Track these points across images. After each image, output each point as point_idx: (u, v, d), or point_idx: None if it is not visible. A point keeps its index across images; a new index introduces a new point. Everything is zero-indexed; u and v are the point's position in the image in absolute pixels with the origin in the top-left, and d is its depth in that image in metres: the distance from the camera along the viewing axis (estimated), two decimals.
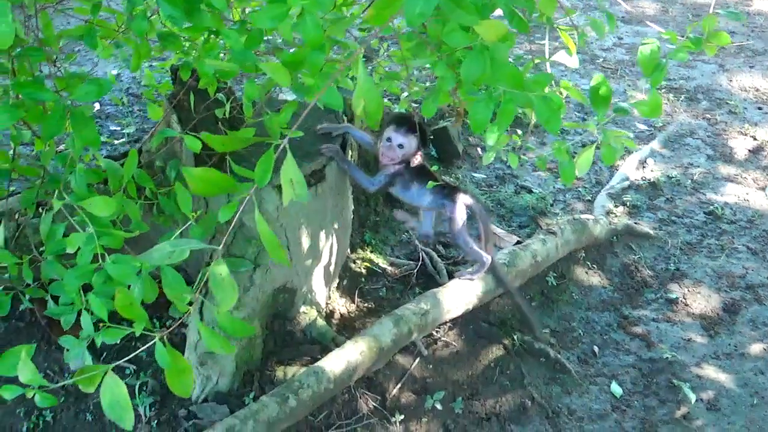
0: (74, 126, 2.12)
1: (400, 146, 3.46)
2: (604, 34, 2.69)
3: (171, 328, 2.14)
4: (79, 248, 2.36)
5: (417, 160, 3.56)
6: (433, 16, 1.78)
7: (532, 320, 3.87)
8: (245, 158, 3.25)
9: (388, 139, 3.45)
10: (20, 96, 2.29)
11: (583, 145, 5.33)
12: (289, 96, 4.26)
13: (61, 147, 3.65)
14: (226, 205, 1.48)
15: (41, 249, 3.12)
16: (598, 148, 2.58)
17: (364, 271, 4.04)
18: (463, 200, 3.65)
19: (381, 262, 4.13)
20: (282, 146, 1.43)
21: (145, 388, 3.29)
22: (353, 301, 3.87)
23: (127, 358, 1.91)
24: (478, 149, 5.42)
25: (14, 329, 3.55)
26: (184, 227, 2.50)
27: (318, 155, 3.42)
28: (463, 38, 1.76)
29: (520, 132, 3.92)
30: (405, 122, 3.47)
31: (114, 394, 1.48)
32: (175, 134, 2.79)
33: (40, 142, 3.21)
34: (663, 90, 6.39)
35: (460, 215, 3.65)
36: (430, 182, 3.47)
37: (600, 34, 2.63)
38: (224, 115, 3.20)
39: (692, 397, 3.54)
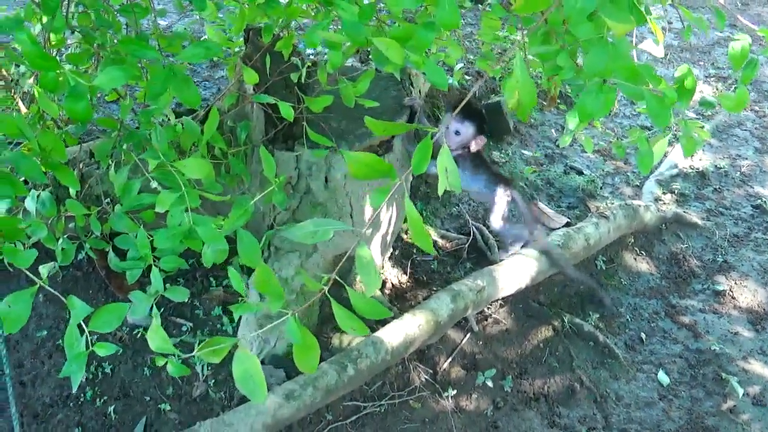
0: (176, 86, 2.12)
1: (457, 133, 3.48)
2: (707, 29, 2.68)
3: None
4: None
5: (474, 146, 3.56)
6: (552, 7, 1.78)
7: (600, 294, 3.91)
8: (315, 123, 3.25)
9: (447, 127, 3.47)
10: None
11: (639, 129, 5.33)
12: (351, 61, 4.26)
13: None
14: (377, 190, 1.48)
15: (106, 200, 3.15)
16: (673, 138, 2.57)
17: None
18: (503, 192, 3.68)
19: (432, 234, 4.14)
20: (437, 136, 1.43)
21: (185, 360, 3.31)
22: (405, 273, 3.89)
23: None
24: (529, 127, 5.41)
25: (72, 278, 3.58)
26: (260, 188, 2.51)
27: (402, 108, 3.47)
28: (589, 30, 1.76)
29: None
30: (463, 110, 3.48)
31: (246, 367, 1.49)
32: (269, 99, 2.78)
33: (113, 93, 3.22)
34: (712, 79, 6.36)
35: (500, 206, 3.68)
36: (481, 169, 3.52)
37: (705, 31, 2.62)
38: (299, 79, 3.20)
39: (740, 391, 3.55)
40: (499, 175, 3.76)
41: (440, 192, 1.43)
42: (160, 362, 1.67)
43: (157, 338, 1.56)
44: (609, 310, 3.92)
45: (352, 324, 1.53)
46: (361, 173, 1.41)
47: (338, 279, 1.57)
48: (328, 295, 1.57)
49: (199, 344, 3.15)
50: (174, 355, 1.68)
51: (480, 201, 3.87)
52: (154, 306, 2.46)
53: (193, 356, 3.07)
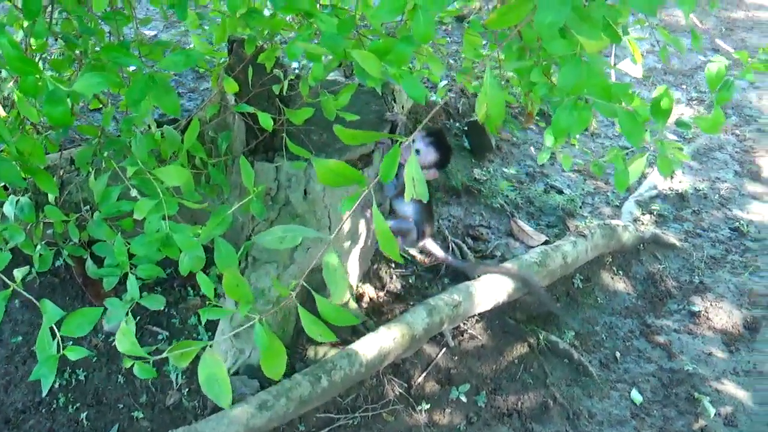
0: (156, 93, 2.13)
1: (417, 151, 3.50)
2: (684, 51, 2.71)
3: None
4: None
5: (428, 175, 3.57)
6: (529, 23, 1.81)
7: (550, 304, 3.95)
8: (296, 136, 3.27)
9: (412, 140, 3.47)
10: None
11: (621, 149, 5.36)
12: (335, 75, 4.28)
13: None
14: (347, 198, 1.50)
15: (85, 208, 3.16)
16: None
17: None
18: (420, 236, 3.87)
19: (411, 249, 4.16)
20: (408, 143, 1.45)
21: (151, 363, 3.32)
22: (383, 287, 3.90)
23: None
24: (511, 144, 5.45)
25: (49, 285, 3.59)
26: (239, 199, 2.53)
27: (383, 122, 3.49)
28: (562, 46, 1.78)
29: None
30: (433, 134, 3.51)
31: (211, 370, 1.50)
32: (249, 109, 2.81)
33: (96, 101, 3.24)
34: (694, 102, 6.41)
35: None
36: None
37: (682, 51, 2.65)
38: (281, 91, 3.22)
39: (712, 411, 3.58)
40: (429, 221, 3.82)
41: (407, 199, 1.45)
42: (127, 364, 1.68)
43: (125, 341, 1.57)
44: (560, 321, 3.94)
45: (318, 330, 1.55)
46: (330, 180, 1.43)
47: (306, 285, 1.59)
48: (296, 301, 1.58)
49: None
50: (145, 359, 1.69)
51: (397, 227, 3.84)
52: (130, 313, 2.47)
53: (166, 362, 3.07)
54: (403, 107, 4.22)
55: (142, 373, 1.70)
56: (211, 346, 1.54)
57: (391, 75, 2.09)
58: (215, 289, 3.45)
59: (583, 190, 5.12)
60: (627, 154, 2.66)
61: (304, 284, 1.58)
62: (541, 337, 3.79)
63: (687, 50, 7.29)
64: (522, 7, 1.53)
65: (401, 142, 1.46)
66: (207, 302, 1.80)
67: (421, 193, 1.42)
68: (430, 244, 3.93)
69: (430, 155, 3.50)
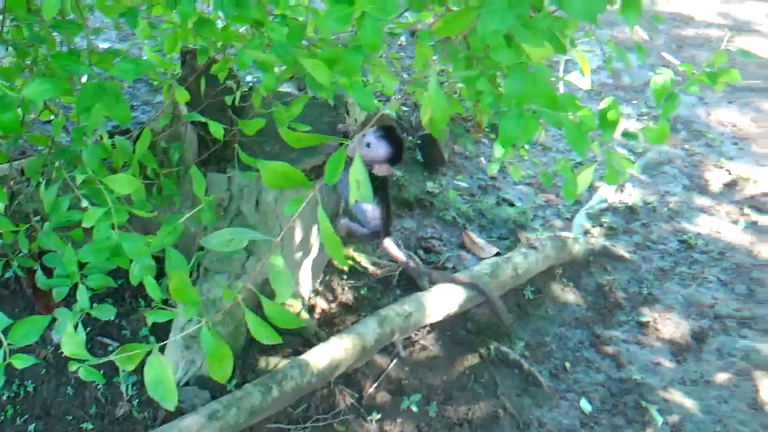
0: (106, 102, 2.14)
1: (368, 145, 3.46)
2: (630, 64, 2.76)
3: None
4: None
5: (378, 169, 3.54)
6: (475, 32, 1.84)
7: (499, 311, 3.97)
8: (247, 146, 3.28)
9: (363, 135, 3.46)
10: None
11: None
12: (289, 88, 4.30)
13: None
14: (292, 200, 1.51)
15: (35, 218, 3.14)
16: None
17: (346, 268, 4.09)
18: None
19: (363, 261, 4.18)
20: (349, 147, 1.47)
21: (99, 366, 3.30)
22: (335, 298, 3.91)
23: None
24: (464, 157, 5.49)
25: None
26: (191, 210, 2.53)
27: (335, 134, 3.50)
28: (508, 55, 1.81)
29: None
30: (385, 129, 3.50)
31: (157, 373, 1.51)
32: (200, 119, 2.81)
33: (47, 111, 3.23)
34: (645, 117, 6.50)
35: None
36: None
37: (626, 64, 2.70)
38: (233, 102, 3.23)
39: (659, 419, 3.62)
40: (387, 220, 3.83)
41: (351, 201, 1.47)
42: (73, 367, 1.68)
43: (71, 344, 1.57)
44: (511, 332, 3.98)
45: (265, 333, 1.56)
46: (275, 182, 1.44)
47: (254, 289, 1.60)
48: (245, 306, 1.59)
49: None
50: (91, 363, 1.69)
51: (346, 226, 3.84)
52: (80, 324, 2.46)
53: (116, 373, 3.06)
54: (356, 120, 4.24)
55: (88, 376, 1.70)
56: (162, 346, 1.55)
57: (343, 85, 2.12)
58: (167, 300, 3.46)
59: (534, 203, 5.17)
60: (576, 166, 2.70)
61: (252, 288, 1.59)
62: (492, 348, 3.82)
63: (636, 66, 7.39)
64: (467, 15, 1.56)
65: (347, 145, 1.47)
66: (154, 305, 1.81)
67: (365, 195, 1.44)
68: (388, 244, 3.95)
69: (382, 149, 3.45)
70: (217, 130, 2.73)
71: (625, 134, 2.76)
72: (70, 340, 1.59)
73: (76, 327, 2.32)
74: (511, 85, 1.83)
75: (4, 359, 1.93)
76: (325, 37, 2.09)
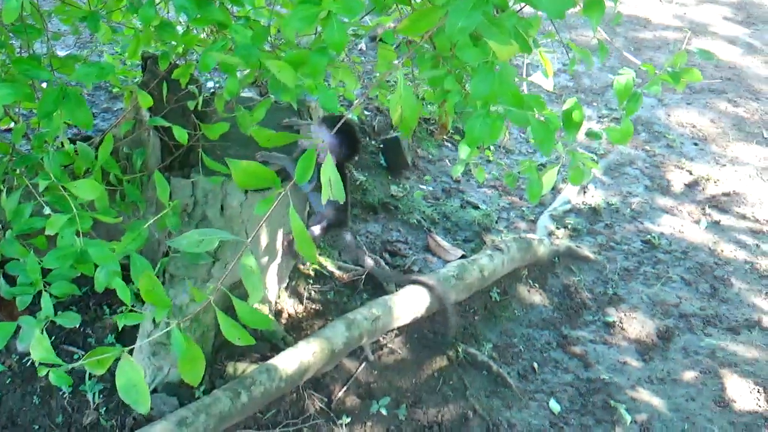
0: (68, 107, 2.11)
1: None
2: (592, 65, 2.78)
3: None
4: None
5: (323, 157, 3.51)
6: (441, 31, 1.84)
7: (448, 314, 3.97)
8: (211, 151, 3.26)
9: (309, 126, 3.46)
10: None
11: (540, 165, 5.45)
12: (250, 93, 4.28)
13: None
14: (263, 200, 1.50)
15: None
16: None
17: (312, 273, 4.07)
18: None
19: (329, 265, 4.16)
20: (318, 148, 1.45)
21: (93, 375, 3.27)
22: (301, 302, 3.90)
23: None
24: (427, 161, 5.49)
25: None
26: (155, 216, 2.52)
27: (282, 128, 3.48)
28: (474, 54, 1.81)
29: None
30: (329, 119, 3.47)
31: (129, 376, 1.49)
32: (163, 123, 2.79)
33: (6, 119, 3.19)
34: (606, 119, 6.54)
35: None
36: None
37: (588, 65, 2.71)
38: (195, 107, 3.21)
39: (628, 418, 3.64)
40: (345, 210, 3.82)
41: (323, 201, 1.46)
42: (42, 372, 1.65)
43: (40, 348, 1.55)
44: (449, 333, 3.98)
45: (237, 333, 1.55)
46: (245, 181, 1.43)
47: (225, 290, 1.59)
48: (214, 305, 1.58)
49: (89, 373, 3.12)
50: (61, 366, 1.67)
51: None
52: (44, 331, 2.43)
53: (82, 381, 3.02)
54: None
55: (57, 381, 1.68)
56: (129, 353, 1.53)
57: (307, 87, 2.11)
58: (133, 307, 3.43)
59: (498, 205, 5.18)
60: (539, 168, 2.71)
61: (223, 288, 1.58)
62: (460, 350, 3.83)
63: (596, 68, 7.44)
64: (433, 14, 1.56)
65: (313, 144, 1.46)
66: (120, 311, 1.79)
67: (338, 194, 1.44)
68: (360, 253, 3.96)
69: (322, 137, 3.43)
70: (181, 134, 2.72)
71: (589, 134, 2.78)
72: (39, 345, 1.57)
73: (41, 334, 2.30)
74: (478, 84, 1.83)
75: None
76: (289, 39, 2.08)
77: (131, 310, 1.81)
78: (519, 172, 2.91)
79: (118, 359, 1.58)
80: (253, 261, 1.54)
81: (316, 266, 4.11)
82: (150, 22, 2.21)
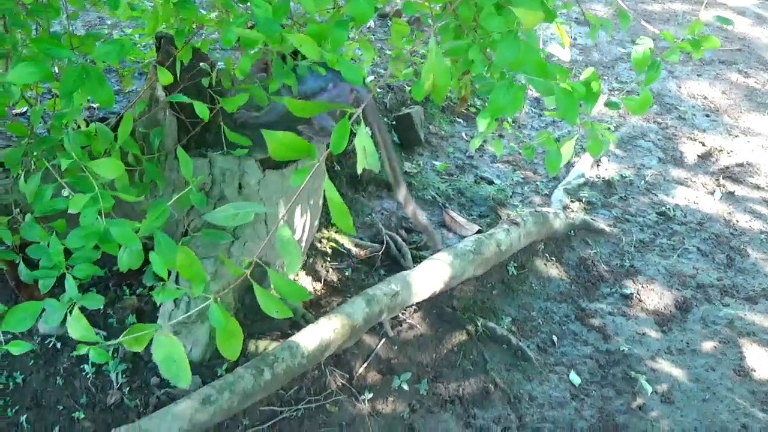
0: (89, 86, 2.11)
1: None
2: (612, 32, 2.76)
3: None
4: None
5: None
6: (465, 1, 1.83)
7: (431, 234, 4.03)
8: (231, 128, 3.26)
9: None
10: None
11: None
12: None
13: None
14: (297, 170, 1.49)
15: (15, 210, 3.10)
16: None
17: (329, 250, 4.07)
18: None
19: (346, 242, 4.17)
20: (354, 117, 1.45)
21: (116, 355, 3.28)
22: (319, 280, 3.90)
23: None
24: (439, 137, 5.49)
25: None
26: (173, 195, 2.51)
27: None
28: (499, 23, 1.81)
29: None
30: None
31: (168, 351, 1.49)
32: (184, 99, 2.78)
33: (22, 102, 3.18)
34: (616, 92, 6.52)
35: None
36: None
37: (609, 31, 2.70)
38: (209, 84, 3.20)
39: (648, 389, 3.64)
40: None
41: (359, 170, 1.45)
42: (82, 350, 1.65)
43: (78, 327, 1.55)
44: (497, 308, 4.00)
45: (275, 306, 1.54)
46: (281, 153, 1.43)
47: (260, 262, 1.58)
48: (251, 279, 1.58)
49: (113, 353, 3.13)
50: (99, 344, 1.67)
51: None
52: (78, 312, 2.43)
53: (112, 355, 3.03)
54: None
55: (97, 358, 1.67)
56: (174, 333, 1.53)
57: (327, 60, 2.10)
58: (152, 287, 3.43)
59: (512, 180, 5.18)
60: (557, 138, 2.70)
61: (259, 261, 1.58)
62: (479, 324, 3.83)
63: (606, 42, 7.41)
64: None
65: (352, 114, 1.46)
66: (148, 303, 1.78)
67: (372, 163, 1.43)
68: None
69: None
70: (202, 110, 2.70)
71: (609, 104, 2.76)
72: (77, 324, 1.57)
73: (64, 319, 2.30)
74: (503, 52, 1.82)
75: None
76: (310, 12, 2.07)
77: (167, 288, 1.80)
78: (538, 144, 2.90)
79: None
80: (288, 232, 1.53)
81: (333, 244, 4.11)
82: None
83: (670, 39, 2.62)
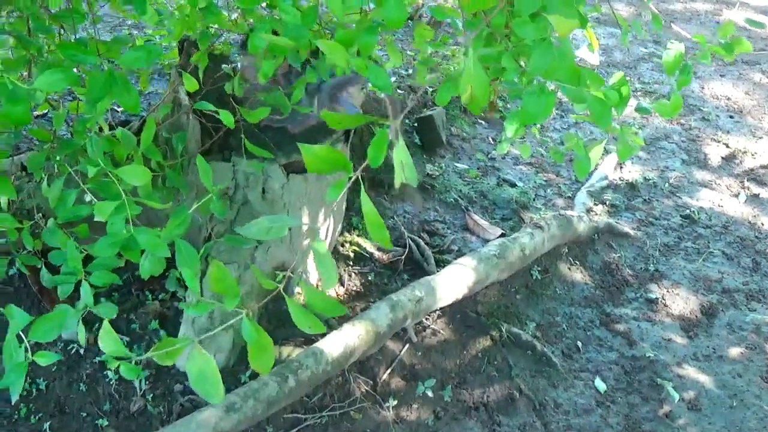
0: (116, 91, 2.08)
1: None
2: (644, 34, 2.73)
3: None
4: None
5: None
6: (497, 8, 1.79)
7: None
8: (250, 133, 3.23)
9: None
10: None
11: (561, 143, 5.40)
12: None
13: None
14: (334, 184, 1.46)
15: (38, 215, 3.08)
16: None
17: (351, 254, 4.05)
18: None
19: (368, 246, 4.13)
20: (392, 132, 1.42)
21: (139, 362, 3.26)
22: (342, 284, 3.87)
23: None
24: (461, 139, 5.45)
25: (2, 294, 3.49)
26: (195, 200, 2.48)
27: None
28: (533, 30, 1.77)
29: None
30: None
31: (202, 367, 1.46)
32: (210, 107, 2.75)
33: (44, 104, 3.17)
34: (638, 93, 6.47)
35: None
36: None
37: (640, 33, 2.66)
38: (232, 90, 3.17)
39: (675, 396, 3.60)
40: None
41: (396, 185, 1.42)
42: (113, 364, 1.63)
43: (109, 341, 1.53)
44: (521, 313, 3.96)
45: (308, 322, 1.51)
46: (318, 166, 1.39)
47: (297, 277, 1.55)
48: (283, 293, 1.55)
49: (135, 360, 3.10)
50: (129, 359, 1.64)
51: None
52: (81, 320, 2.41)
53: (140, 361, 3.00)
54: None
55: (128, 374, 1.66)
56: (198, 342, 1.50)
57: (356, 66, 2.07)
58: (175, 292, 3.41)
59: (535, 182, 5.13)
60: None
61: (290, 274, 1.55)
62: (504, 330, 3.79)
63: (630, 43, 7.36)
64: None
65: (389, 125, 1.42)
66: (170, 308, 1.76)
67: (410, 177, 1.40)
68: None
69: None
70: (227, 119, 2.68)
71: (639, 109, 2.73)
72: (107, 338, 1.55)
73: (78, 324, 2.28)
74: (537, 60, 1.78)
75: (26, 357, 1.90)
76: (339, 17, 2.04)
77: (199, 301, 1.77)
78: (565, 148, 2.86)
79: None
80: (324, 246, 1.50)
81: (355, 248, 4.08)
82: (196, 4, 2.18)
83: (702, 42, 2.58)
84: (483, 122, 5.73)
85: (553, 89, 1.99)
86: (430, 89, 5.47)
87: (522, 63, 2.03)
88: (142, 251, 2.37)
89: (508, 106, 5.85)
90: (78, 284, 2.56)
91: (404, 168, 1.38)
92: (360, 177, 1.43)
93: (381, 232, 1.46)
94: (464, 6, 1.56)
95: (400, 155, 1.38)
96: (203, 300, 1.69)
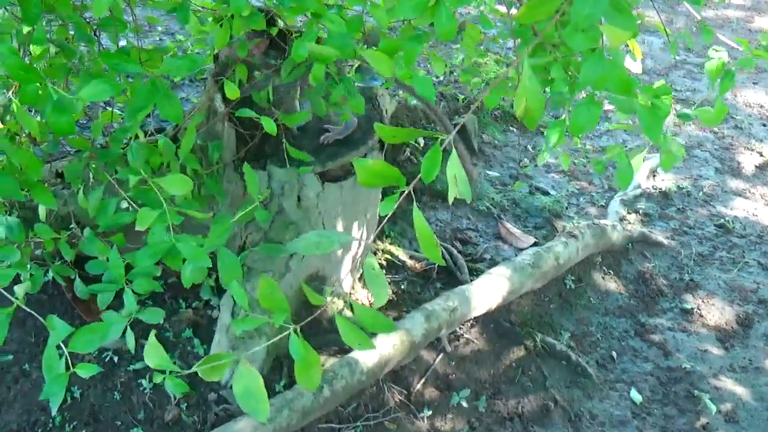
0: (159, 101, 2.07)
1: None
2: (692, 44, 2.70)
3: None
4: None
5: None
6: (553, 20, 1.77)
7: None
8: (288, 142, 3.22)
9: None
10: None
11: (594, 151, 5.37)
12: None
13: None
14: (387, 198, 1.44)
15: (74, 224, 3.07)
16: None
17: (384, 263, 4.02)
18: None
19: (401, 254, 4.11)
20: (446, 141, 1.40)
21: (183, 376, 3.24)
22: None
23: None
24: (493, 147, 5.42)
25: (37, 301, 3.49)
26: (231, 208, 2.47)
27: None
28: (584, 41, 1.74)
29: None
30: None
31: (248, 384, 1.44)
32: (252, 114, 2.74)
33: (80, 113, 3.16)
34: (672, 100, 6.42)
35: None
36: None
37: (689, 43, 2.64)
38: (268, 98, 3.16)
39: (713, 408, 3.56)
40: None
41: (450, 200, 1.40)
42: (158, 379, 1.61)
43: (155, 355, 1.51)
44: (555, 322, 3.93)
45: (358, 339, 1.49)
46: (371, 181, 1.37)
47: (345, 298, 1.53)
48: (336, 312, 1.52)
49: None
50: (176, 373, 1.63)
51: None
52: (129, 327, 2.39)
53: (184, 374, 2.99)
54: (386, 111, 4.17)
55: (175, 389, 1.64)
56: (207, 348, 1.48)
57: (399, 75, 2.05)
58: (208, 300, 3.40)
59: (567, 190, 5.10)
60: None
61: (336, 292, 1.53)
62: (538, 340, 3.76)
63: (658, 49, 7.31)
64: (554, 1, 1.49)
65: (442, 140, 1.40)
66: (203, 317, 1.74)
67: (465, 192, 1.38)
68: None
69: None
70: (269, 125, 2.66)
71: (680, 116, 2.70)
72: (153, 352, 1.53)
73: (124, 332, 2.27)
74: (588, 72, 1.76)
75: (66, 369, 1.89)
76: (383, 26, 2.03)
77: (246, 316, 1.75)
78: (606, 158, 2.83)
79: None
80: (376, 263, 1.48)
81: (388, 256, 4.06)
82: (241, 11, 2.16)
83: (745, 47, 2.56)
84: (514, 130, 5.70)
85: (601, 99, 1.97)
86: (462, 96, 5.45)
87: (569, 73, 2.01)
88: (184, 259, 2.35)
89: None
90: (115, 294, 2.55)
91: (458, 182, 1.35)
92: (412, 191, 1.41)
93: (433, 249, 1.44)
94: (519, 17, 1.54)
95: (454, 168, 1.35)
96: (252, 315, 1.67)
